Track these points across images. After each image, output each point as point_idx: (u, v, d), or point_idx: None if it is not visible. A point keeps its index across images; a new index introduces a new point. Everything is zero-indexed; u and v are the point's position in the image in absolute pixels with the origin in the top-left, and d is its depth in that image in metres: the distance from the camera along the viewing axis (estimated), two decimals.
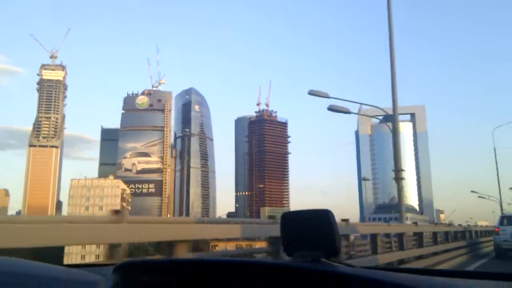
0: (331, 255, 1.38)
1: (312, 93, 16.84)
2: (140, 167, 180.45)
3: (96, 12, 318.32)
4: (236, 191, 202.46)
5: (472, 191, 60.67)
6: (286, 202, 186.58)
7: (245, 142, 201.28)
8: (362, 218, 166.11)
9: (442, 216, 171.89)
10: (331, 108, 17.27)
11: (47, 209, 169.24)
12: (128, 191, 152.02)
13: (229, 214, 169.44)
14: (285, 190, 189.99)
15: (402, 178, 17.08)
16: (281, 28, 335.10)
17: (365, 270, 1.37)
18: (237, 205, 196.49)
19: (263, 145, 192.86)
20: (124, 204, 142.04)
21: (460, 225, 24.12)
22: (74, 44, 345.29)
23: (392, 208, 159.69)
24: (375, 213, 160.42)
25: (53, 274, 1.38)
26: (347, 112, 17.99)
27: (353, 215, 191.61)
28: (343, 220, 8.60)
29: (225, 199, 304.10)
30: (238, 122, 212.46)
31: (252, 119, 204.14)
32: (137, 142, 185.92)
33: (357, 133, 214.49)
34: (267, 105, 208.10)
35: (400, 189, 17.38)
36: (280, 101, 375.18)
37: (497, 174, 39.01)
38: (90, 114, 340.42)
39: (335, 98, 17.48)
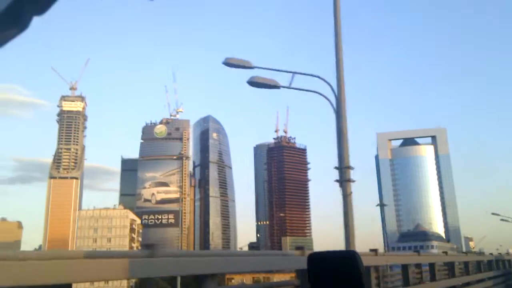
0: None
1: (227, 63, 11.50)
2: (159, 197, 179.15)
3: (114, 40, 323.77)
4: (257, 220, 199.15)
5: (493, 213, 58.25)
6: (308, 231, 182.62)
7: (264, 169, 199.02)
8: (386, 247, 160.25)
9: (471, 243, 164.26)
10: (252, 82, 11.55)
11: (68, 241, 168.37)
12: (138, 221, 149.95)
13: (251, 245, 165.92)
14: (307, 219, 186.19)
15: (351, 181, 10.75)
16: (297, 51, 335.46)
17: None
18: (258, 235, 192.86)
19: (283, 172, 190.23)
20: (134, 235, 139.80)
21: (491, 253, 23.12)
22: (93, 75, 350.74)
23: (417, 236, 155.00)
24: (399, 242, 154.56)
25: None
26: (273, 86, 11.77)
27: (377, 243, 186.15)
28: (372, 250, 8.29)
29: (246, 229, 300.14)
30: (257, 149, 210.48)
31: (270, 146, 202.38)
32: (156, 171, 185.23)
33: (377, 158, 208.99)
34: (285, 132, 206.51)
35: (346, 197, 10.73)
36: (299, 128, 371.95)
37: None
38: (111, 145, 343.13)
39: (260, 67, 11.90)
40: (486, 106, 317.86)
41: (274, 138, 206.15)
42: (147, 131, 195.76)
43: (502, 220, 51.65)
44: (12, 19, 0.95)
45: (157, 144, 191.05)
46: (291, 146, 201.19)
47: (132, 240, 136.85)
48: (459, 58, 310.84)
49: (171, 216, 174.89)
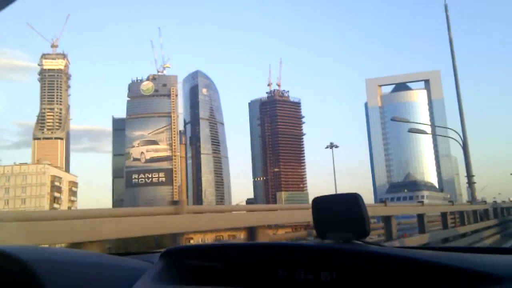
0: (362, 236, 1.47)
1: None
2: (148, 155, 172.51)
3: None
4: (254, 176, 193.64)
5: None
6: (303, 185, 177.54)
7: (257, 125, 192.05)
8: (376, 199, 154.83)
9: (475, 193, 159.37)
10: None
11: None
12: (70, 178, 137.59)
13: (248, 201, 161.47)
14: (302, 173, 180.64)
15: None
16: (290, 2, 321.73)
17: (398, 249, 1.45)
18: (255, 191, 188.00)
19: (276, 126, 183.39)
20: (59, 195, 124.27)
21: (484, 201, 22.37)
22: (75, 31, 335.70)
23: (406, 187, 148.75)
24: (387, 193, 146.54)
25: (98, 261, 1.43)
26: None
27: (367, 195, 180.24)
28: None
29: (243, 186, 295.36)
30: (252, 105, 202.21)
31: (263, 100, 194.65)
32: (145, 130, 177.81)
33: (366, 106, 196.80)
34: (278, 85, 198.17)
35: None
36: (293, 81, 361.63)
37: None
38: (99, 104, 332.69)
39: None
40: (486, 44, 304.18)
41: (267, 93, 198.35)
42: (134, 89, 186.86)
43: None
44: None
45: (144, 101, 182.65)
46: (285, 100, 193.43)
47: (56, 200, 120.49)
48: None
49: (161, 174, 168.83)
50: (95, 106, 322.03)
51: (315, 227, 1.57)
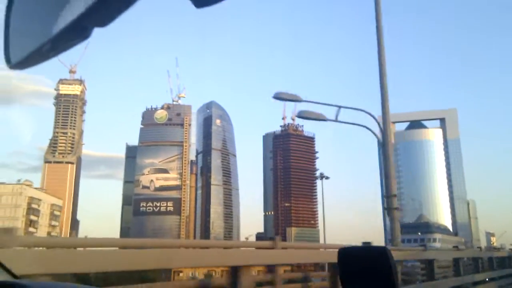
0: None
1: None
2: (158, 184, 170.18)
3: (115, 25, 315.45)
4: (265, 210, 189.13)
5: None
6: (314, 222, 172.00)
7: (270, 158, 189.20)
8: (386, 239, 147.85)
9: (493, 239, 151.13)
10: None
11: (62, 227, 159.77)
12: (54, 201, 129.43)
13: (258, 235, 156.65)
14: (314, 209, 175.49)
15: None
16: (306, 39, 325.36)
17: None
18: (266, 226, 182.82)
19: (289, 160, 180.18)
20: (36, 218, 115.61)
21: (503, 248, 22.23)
22: (94, 58, 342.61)
23: (418, 228, 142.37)
24: (401, 234, 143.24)
25: None
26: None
27: (378, 235, 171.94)
28: (365, 243, 7.91)
29: (252, 219, 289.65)
30: (266, 138, 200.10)
31: (277, 133, 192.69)
32: (156, 158, 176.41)
33: (379, 143, 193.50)
34: (293, 119, 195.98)
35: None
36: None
37: None
38: (113, 131, 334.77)
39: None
40: (500, 86, 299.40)
41: (281, 126, 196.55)
42: (147, 116, 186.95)
43: None
44: (77, 31, 1.01)
45: (157, 129, 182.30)
46: (298, 134, 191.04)
47: (32, 223, 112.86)
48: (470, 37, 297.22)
49: (170, 203, 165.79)
50: (111, 132, 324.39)
51: (341, 279, 1.55)
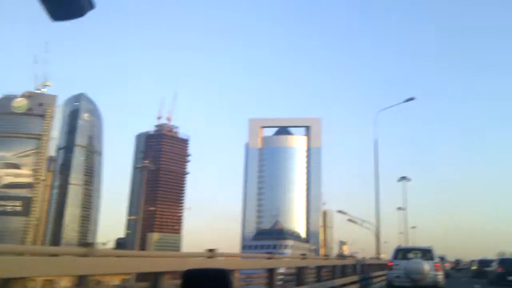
0: None
1: None
2: (7, 180, 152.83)
3: None
4: (130, 214, 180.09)
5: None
6: (178, 227, 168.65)
7: (140, 158, 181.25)
8: (243, 246, 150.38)
9: (344, 247, 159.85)
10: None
11: None
12: None
13: (118, 241, 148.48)
14: (179, 214, 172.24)
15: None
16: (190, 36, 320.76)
17: None
18: (129, 231, 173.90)
19: (159, 162, 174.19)
20: None
21: (340, 256, 25.34)
22: None
23: (272, 235, 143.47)
24: (254, 240, 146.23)
25: None
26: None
27: (234, 240, 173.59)
28: (210, 250, 7.37)
29: (115, 224, 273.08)
30: (139, 138, 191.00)
31: (150, 133, 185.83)
32: (8, 151, 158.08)
33: (246, 147, 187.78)
34: (168, 119, 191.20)
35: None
36: (188, 118, 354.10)
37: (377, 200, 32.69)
38: None
39: None
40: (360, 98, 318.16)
41: (155, 126, 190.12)
42: (4, 104, 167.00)
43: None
44: None
45: (13, 119, 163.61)
46: (172, 135, 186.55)
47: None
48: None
49: (18, 203, 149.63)
50: None
51: None
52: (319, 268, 13.57)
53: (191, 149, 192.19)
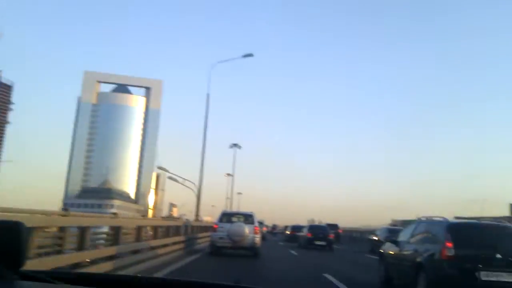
0: (17, 267, 1.38)
1: None
2: None
3: None
4: None
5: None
6: None
7: None
8: (65, 204, 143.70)
9: (175, 210, 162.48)
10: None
11: None
12: None
13: None
14: None
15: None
16: None
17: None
18: None
19: None
20: None
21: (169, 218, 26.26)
22: None
23: (100, 193, 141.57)
24: (78, 198, 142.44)
25: None
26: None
27: (56, 198, 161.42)
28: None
29: None
30: None
31: None
32: None
33: (79, 100, 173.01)
34: None
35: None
36: (17, 64, 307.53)
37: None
38: None
39: None
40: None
41: None
42: None
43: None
44: None
45: None
46: None
47: None
48: None
49: None
50: None
51: None
52: (155, 228, 14.69)
53: (16, 97, 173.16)
